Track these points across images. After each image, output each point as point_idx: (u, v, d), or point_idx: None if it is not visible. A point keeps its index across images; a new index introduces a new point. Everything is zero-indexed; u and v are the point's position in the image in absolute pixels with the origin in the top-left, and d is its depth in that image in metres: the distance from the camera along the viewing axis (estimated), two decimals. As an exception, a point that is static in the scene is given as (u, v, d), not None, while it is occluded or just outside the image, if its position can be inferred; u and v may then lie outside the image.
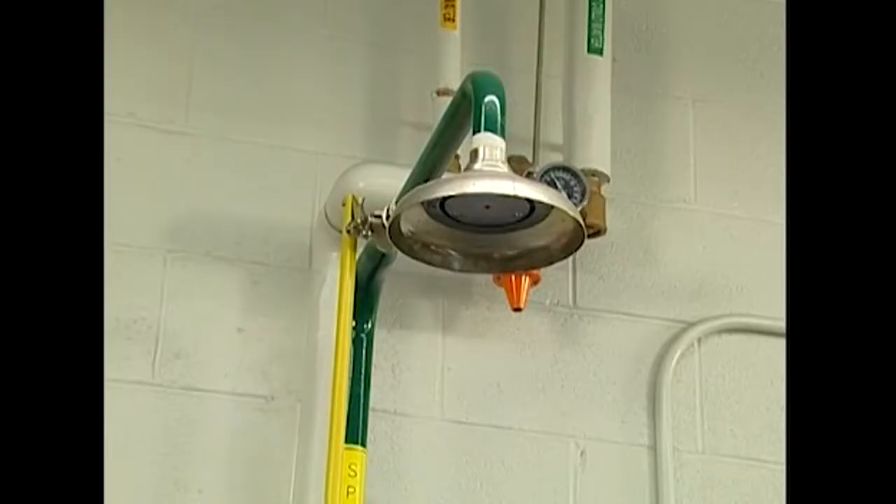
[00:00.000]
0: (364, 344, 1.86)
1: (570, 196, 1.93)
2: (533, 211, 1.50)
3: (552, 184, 1.94)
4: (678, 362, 2.08)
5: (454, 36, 2.06)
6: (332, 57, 2.15)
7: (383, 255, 1.77)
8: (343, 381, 1.68)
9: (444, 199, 1.47)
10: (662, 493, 2.01)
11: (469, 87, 1.47)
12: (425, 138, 1.73)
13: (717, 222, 2.20)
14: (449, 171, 1.68)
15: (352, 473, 1.75)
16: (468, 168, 1.42)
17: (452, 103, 1.57)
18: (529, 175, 1.93)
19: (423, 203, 1.49)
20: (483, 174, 1.41)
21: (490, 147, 1.42)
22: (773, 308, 2.10)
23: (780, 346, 2.05)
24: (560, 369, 2.05)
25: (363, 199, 1.70)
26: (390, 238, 1.55)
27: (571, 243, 1.53)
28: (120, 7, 1.99)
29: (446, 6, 2.07)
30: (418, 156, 1.70)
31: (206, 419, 1.91)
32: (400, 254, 1.61)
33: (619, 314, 2.10)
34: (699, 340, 2.12)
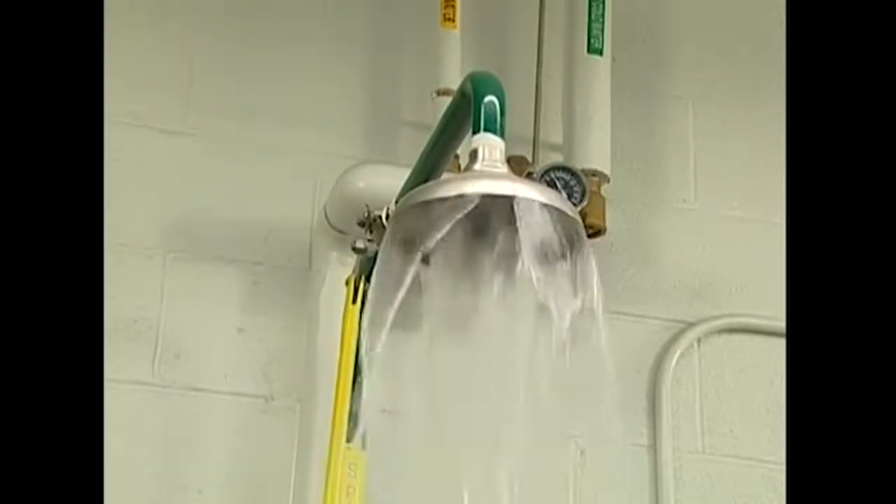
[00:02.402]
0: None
1: (569, 196, 1.93)
2: (533, 212, 1.50)
3: (552, 184, 1.94)
4: (678, 362, 2.08)
5: (454, 36, 2.06)
6: (332, 57, 2.15)
7: (383, 254, 1.77)
8: (347, 385, 1.69)
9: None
10: (662, 493, 2.01)
11: (468, 87, 1.47)
12: (425, 138, 1.72)
13: (717, 222, 2.20)
14: (449, 171, 1.68)
15: (351, 473, 1.75)
16: (467, 168, 1.42)
17: (452, 103, 1.57)
18: (529, 175, 1.92)
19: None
20: (482, 175, 1.41)
21: (489, 148, 1.42)
22: (773, 308, 2.10)
23: (780, 346, 2.05)
24: (560, 369, 2.05)
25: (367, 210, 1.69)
26: (390, 239, 1.55)
27: (571, 245, 1.53)
28: (120, 7, 1.99)
29: (446, 6, 2.07)
30: (418, 156, 1.70)
31: (206, 419, 1.91)
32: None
33: (619, 314, 2.09)
34: (699, 340, 2.12)
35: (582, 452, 2.01)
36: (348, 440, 1.70)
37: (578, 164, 1.99)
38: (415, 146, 1.86)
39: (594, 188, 2.00)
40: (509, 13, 2.24)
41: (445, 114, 1.60)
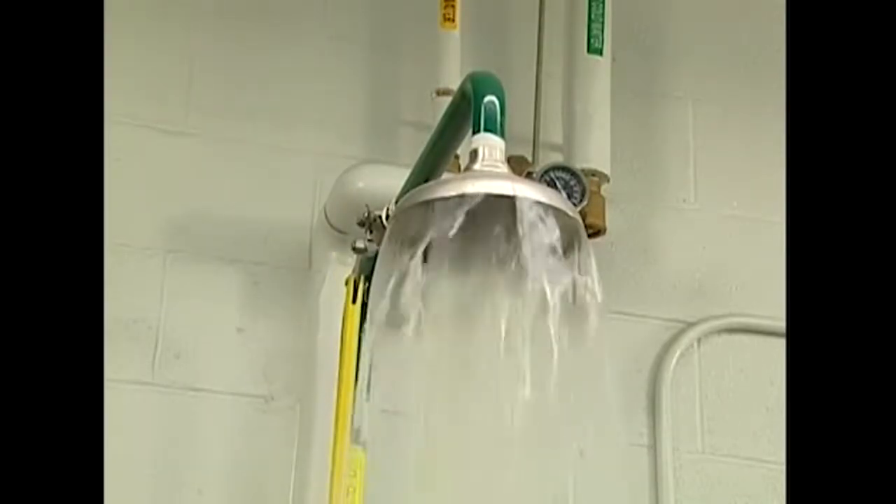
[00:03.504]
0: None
1: (569, 196, 1.93)
2: (533, 212, 1.50)
3: (552, 184, 1.94)
4: (678, 362, 2.08)
5: (454, 36, 2.06)
6: (332, 57, 2.15)
7: (383, 254, 1.77)
8: (348, 385, 1.69)
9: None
10: (662, 493, 2.01)
11: (468, 87, 1.47)
12: (425, 138, 1.72)
13: (717, 222, 2.20)
14: (449, 171, 1.68)
15: (352, 473, 1.75)
16: (467, 168, 1.42)
17: (452, 103, 1.57)
18: (529, 175, 1.92)
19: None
20: (482, 175, 1.41)
21: (489, 147, 1.42)
22: (773, 308, 2.10)
23: (780, 346, 2.05)
24: (560, 369, 2.05)
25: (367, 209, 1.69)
26: (390, 239, 1.55)
27: (571, 245, 1.53)
28: (120, 7, 1.99)
29: (446, 6, 2.07)
30: (418, 156, 1.70)
31: (206, 419, 1.91)
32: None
33: (619, 314, 2.09)
34: (699, 340, 2.12)
35: (582, 452, 2.01)
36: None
37: (578, 164, 1.99)
38: (415, 146, 1.86)
39: (594, 188, 2.00)
40: (509, 13, 2.24)
41: (445, 114, 1.60)
